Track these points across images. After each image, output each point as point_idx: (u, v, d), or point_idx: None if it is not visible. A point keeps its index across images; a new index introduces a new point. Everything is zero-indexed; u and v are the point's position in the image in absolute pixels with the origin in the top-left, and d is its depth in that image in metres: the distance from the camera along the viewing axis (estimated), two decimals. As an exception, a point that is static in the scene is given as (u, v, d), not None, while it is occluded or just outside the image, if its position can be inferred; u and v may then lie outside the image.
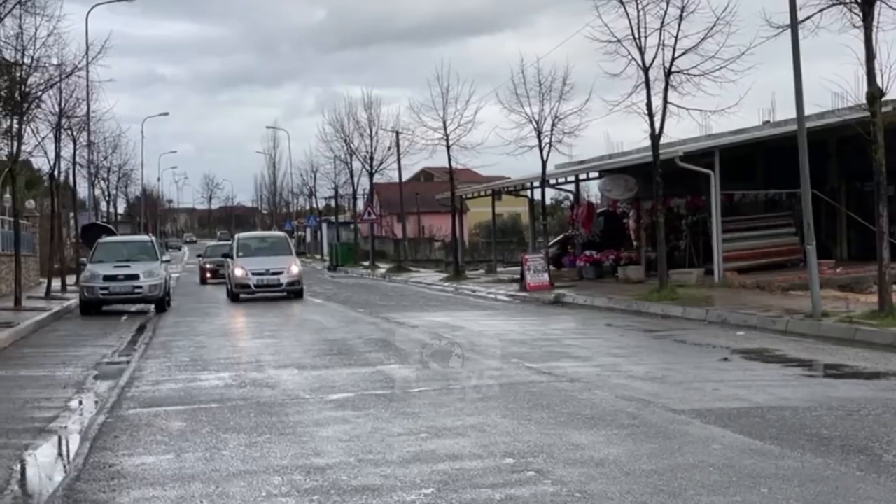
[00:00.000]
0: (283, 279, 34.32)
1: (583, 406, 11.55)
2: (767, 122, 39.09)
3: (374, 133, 62.19)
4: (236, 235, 40.31)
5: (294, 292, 34.44)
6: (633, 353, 17.09)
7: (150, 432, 10.82)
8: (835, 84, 21.14)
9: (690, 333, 19.54)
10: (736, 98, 34.29)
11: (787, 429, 9.92)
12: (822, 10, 19.70)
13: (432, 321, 24.02)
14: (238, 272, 34.18)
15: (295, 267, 34.63)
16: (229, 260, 36.08)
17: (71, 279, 38.91)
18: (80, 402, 13.56)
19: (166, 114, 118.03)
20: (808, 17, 19.99)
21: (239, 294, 34.25)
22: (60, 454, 10.50)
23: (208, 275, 49.20)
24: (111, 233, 41.39)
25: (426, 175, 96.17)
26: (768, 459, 8.69)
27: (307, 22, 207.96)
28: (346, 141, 65.03)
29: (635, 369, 14.61)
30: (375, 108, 63.01)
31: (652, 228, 31.30)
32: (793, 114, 22.11)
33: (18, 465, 9.65)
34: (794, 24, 20.10)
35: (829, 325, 18.63)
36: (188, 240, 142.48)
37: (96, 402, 13.34)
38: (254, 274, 33.96)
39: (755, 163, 35.85)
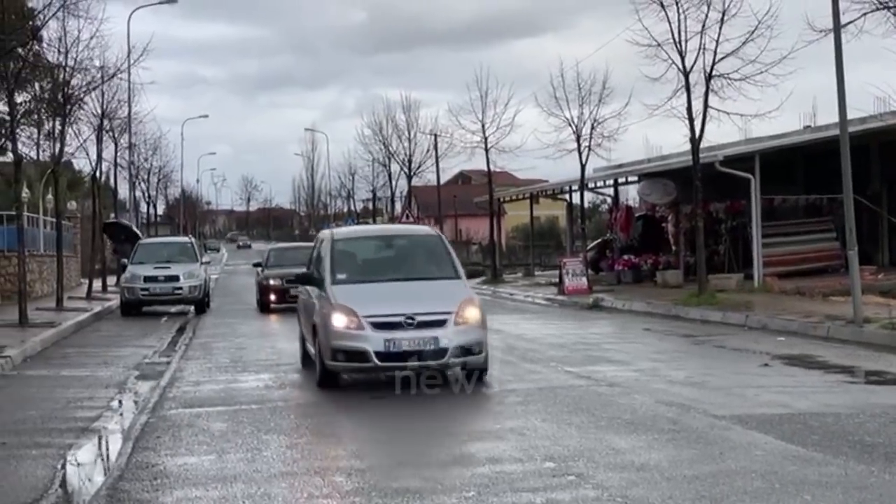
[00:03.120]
0: (446, 339, 13.47)
1: (623, 410, 11.52)
2: (808, 126, 38.82)
3: (412, 136, 62.18)
4: (324, 236, 16.33)
5: (472, 368, 13.95)
6: (673, 357, 17.02)
7: (192, 433, 10.90)
8: (878, 88, 21.01)
9: (730, 339, 19.43)
10: (777, 102, 34.21)
11: (829, 435, 9.86)
12: (864, 15, 19.58)
13: (470, 324, 23.99)
14: (338, 321, 13.60)
15: (472, 310, 13.93)
16: (310, 290, 15.42)
17: (111, 280, 39.24)
18: (122, 402, 13.69)
19: (206, 116, 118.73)
20: (851, 22, 19.86)
21: (340, 370, 13.89)
22: (103, 454, 10.60)
23: (273, 296, 30.07)
24: (131, 231, 40.69)
25: (464, 178, 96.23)
26: (811, 466, 8.63)
27: (347, 23, 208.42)
28: (384, 143, 65.07)
29: (675, 374, 14.55)
30: (414, 111, 62.99)
31: (691, 233, 31.14)
32: (834, 118, 21.96)
33: (62, 465, 9.75)
34: (837, 28, 19.95)
35: (871, 331, 18.48)
36: (241, 244, 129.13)
37: (138, 403, 13.46)
38: (377, 326, 13.44)
39: (796, 167, 35.62)
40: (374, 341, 13.20)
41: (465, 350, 13.47)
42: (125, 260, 32.31)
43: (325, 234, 16.33)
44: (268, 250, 36.01)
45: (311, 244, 30.56)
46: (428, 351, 13.23)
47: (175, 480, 8.77)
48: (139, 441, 10.48)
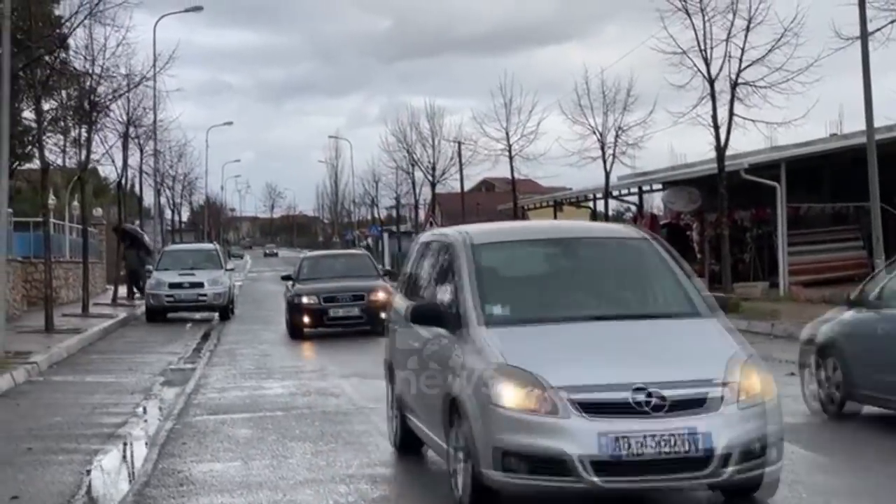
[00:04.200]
0: (719, 433, 7.02)
1: (648, 419, 11.44)
2: (835, 134, 38.66)
3: (436, 143, 62.32)
4: (452, 238, 8.93)
5: (754, 483, 7.47)
6: (698, 366, 16.91)
7: (218, 439, 10.93)
8: (905, 96, 20.88)
9: (756, 347, 18.94)
10: (803, 110, 34.09)
11: (855, 445, 9.79)
12: (892, 22, 19.53)
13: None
14: (509, 396, 7.23)
15: (759, 375, 7.68)
16: (423, 330, 8.77)
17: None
18: (148, 409, 13.73)
19: (230, 123, 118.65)
20: (879, 29, 19.86)
21: (514, 488, 7.17)
22: (129, 460, 10.64)
23: (307, 318, 23.29)
24: (137, 238, 39.77)
25: (487, 185, 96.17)
26: (838, 476, 8.58)
27: (372, 31, 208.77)
28: (408, 151, 65.20)
29: (700, 383, 14.45)
30: (438, 119, 63.11)
31: (716, 241, 31.04)
32: (861, 126, 21.90)
33: (88, 471, 9.78)
34: (864, 36, 19.89)
35: (898, 340, 18.32)
36: (268, 251, 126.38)
37: (163, 409, 13.52)
38: (588, 408, 7.04)
39: (822, 175, 35.41)
40: (583, 438, 6.96)
41: (753, 454, 7.18)
42: (149, 267, 32.36)
43: (450, 236, 9.07)
44: (300, 260, 27.80)
45: (351, 252, 23.68)
46: (686, 458, 6.98)
47: (201, 487, 8.79)
48: (165, 447, 10.52)
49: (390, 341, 10.40)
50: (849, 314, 11.35)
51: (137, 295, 35.85)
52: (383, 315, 19.06)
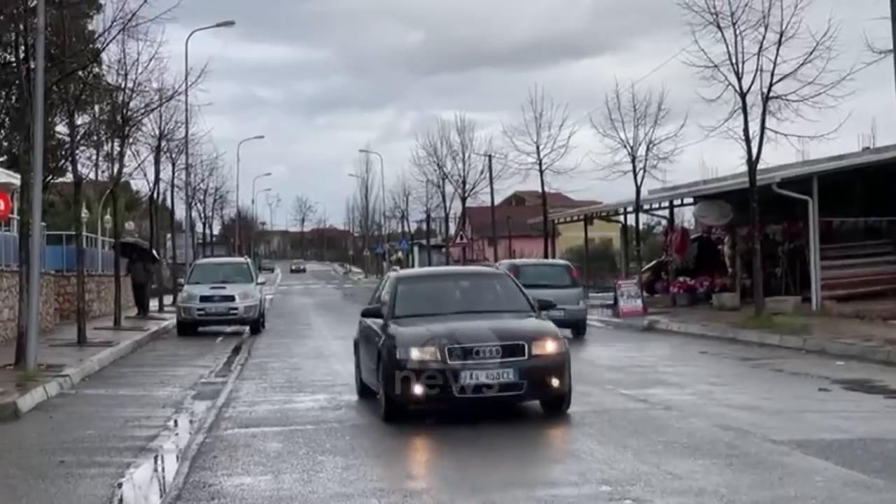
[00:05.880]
0: None
1: (679, 434, 11.41)
2: (867, 148, 38.39)
3: (466, 157, 62.40)
4: None
5: None
6: (729, 381, 16.85)
7: (248, 453, 10.95)
8: (938, 109, 20.74)
9: (788, 362, 19.22)
10: (835, 124, 33.79)
11: (891, 461, 9.70)
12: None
13: (525, 346, 23.94)
14: None
15: None
16: None
17: (167, 299, 39.54)
18: (179, 422, 13.77)
19: (261, 137, 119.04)
20: (911, 42, 19.69)
21: None
22: (161, 473, 10.67)
23: (418, 388, 12.13)
24: (143, 250, 39.15)
25: (518, 199, 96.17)
26: (872, 493, 8.50)
27: (404, 45, 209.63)
28: (438, 164, 65.37)
29: (732, 398, 14.40)
30: (468, 132, 63.19)
31: (747, 255, 30.88)
32: (894, 139, 21.75)
33: (120, 484, 9.82)
34: (897, 49, 19.79)
35: (933, 355, 18.18)
36: (294, 267, 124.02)
37: (194, 422, 13.54)
38: None
39: (854, 189, 35.17)
40: None
41: None
42: (185, 281, 32.39)
43: None
44: (391, 281, 14.69)
45: (477, 269, 15.05)
46: None
47: (232, 500, 8.81)
48: (196, 461, 10.55)
49: None
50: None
51: (167, 307, 35.99)
52: (555, 383, 12.48)
